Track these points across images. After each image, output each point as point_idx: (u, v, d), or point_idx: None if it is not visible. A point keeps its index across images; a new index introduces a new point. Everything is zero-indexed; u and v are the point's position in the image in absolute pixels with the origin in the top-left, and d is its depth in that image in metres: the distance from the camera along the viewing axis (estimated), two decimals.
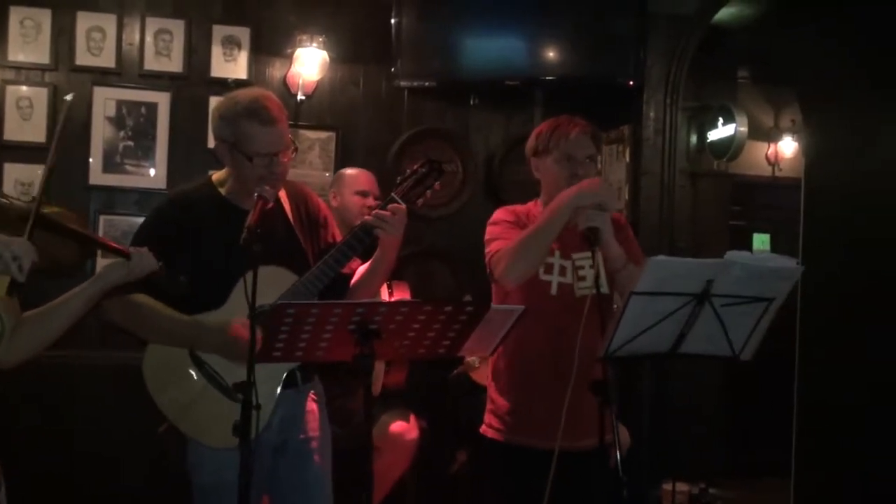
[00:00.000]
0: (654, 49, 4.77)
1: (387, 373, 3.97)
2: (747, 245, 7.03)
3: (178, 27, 4.77)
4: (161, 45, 4.76)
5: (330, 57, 4.85)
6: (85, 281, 2.31)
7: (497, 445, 2.85)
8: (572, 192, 2.65)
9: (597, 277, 2.55)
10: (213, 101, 4.58)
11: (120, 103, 4.72)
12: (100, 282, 2.28)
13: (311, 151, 4.94)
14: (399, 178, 2.66)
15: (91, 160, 4.68)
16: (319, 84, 4.95)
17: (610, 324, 2.29)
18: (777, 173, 7.05)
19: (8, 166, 4.55)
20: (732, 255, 2.23)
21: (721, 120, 6.01)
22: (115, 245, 2.36)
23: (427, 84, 4.95)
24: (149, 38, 4.75)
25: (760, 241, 7.25)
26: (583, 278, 2.81)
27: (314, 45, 4.78)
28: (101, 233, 4.59)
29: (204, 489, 2.61)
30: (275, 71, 4.94)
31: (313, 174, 4.91)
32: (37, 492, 3.96)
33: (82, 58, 4.67)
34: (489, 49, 4.79)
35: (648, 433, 4.61)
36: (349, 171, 4.17)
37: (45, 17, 4.63)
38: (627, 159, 4.87)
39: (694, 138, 6.22)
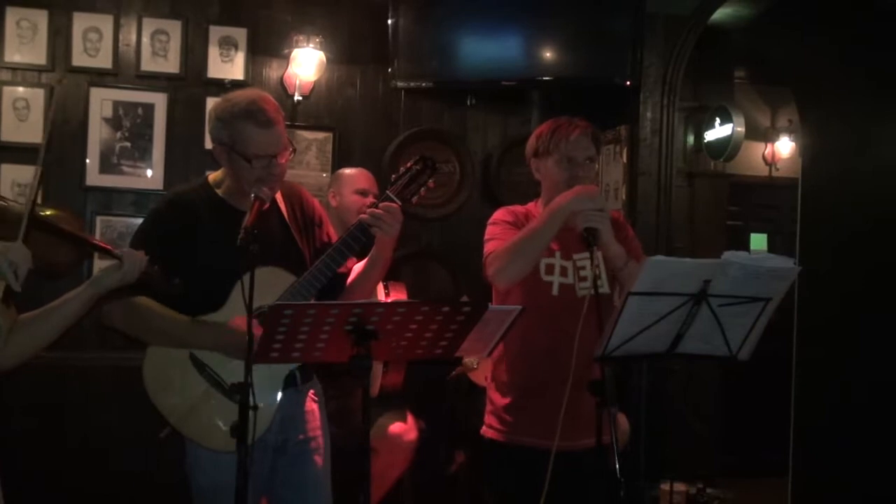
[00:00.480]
0: (651, 49, 4.77)
1: (385, 374, 3.97)
2: (745, 245, 7.04)
3: (174, 28, 4.77)
4: (158, 45, 4.76)
5: (327, 57, 4.85)
6: (81, 283, 2.31)
7: (497, 445, 2.85)
8: (567, 196, 2.66)
9: (595, 278, 2.56)
10: (210, 102, 4.58)
11: (116, 104, 4.71)
12: (95, 285, 2.29)
13: (309, 152, 4.94)
14: (393, 176, 2.66)
15: (88, 161, 4.67)
16: (316, 85, 4.95)
17: (607, 324, 2.29)
18: (774, 173, 7.06)
19: (5, 167, 4.54)
20: (729, 255, 2.23)
21: (718, 120, 6.00)
22: (108, 247, 2.35)
23: (424, 85, 4.95)
24: (145, 39, 4.75)
25: (758, 241, 7.25)
26: (584, 279, 2.81)
27: (311, 45, 4.78)
28: (97, 234, 4.59)
29: (203, 490, 2.61)
30: (272, 71, 4.94)
31: (311, 175, 4.91)
32: (34, 492, 3.95)
33: (79, 58, 4.67)
34: (486, 50, 4.79)
35: (646, 433, 4.61)
36: (348, 170, 4.16)
37: (41, 17, 4.62)
38: (624, 160, 4.87)
39: (691, 138, 6.21)
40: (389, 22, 4.78)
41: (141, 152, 4.74)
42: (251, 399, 2.14)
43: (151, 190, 4.65)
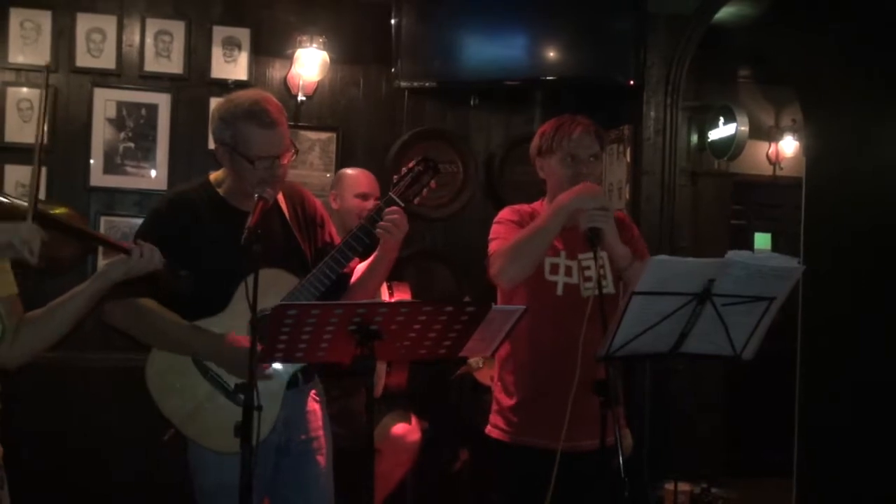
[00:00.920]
0: (654, 49, 4.77)
1: (388, 374, 3.97)
2: (748, 244, 7.03)
3: (178, 28, 4.77)
4: (161, 46, 4.76)
5: (330, 58, 4.85)
6: (85, 279, 2.30)
7: (503, 446, 2.85)
8: (569, 195, 2.65)
9: (600, 278, 2.55)
10: (214, 102, 4.57)
11: (120, 104, 4.72)
12: (101, 279, 2.27)
13: (312, 152, 4.94)
14: (395, 177, 2.66)
15: (91, 161, 4.68)
16: (320, 85, 4.95)
17: (611, 323, 2.29)
18: (778, 172, 7.05)
19: (8, 168, 4.55)
20: (733, 254, 2.23)
21: (722, 119, 6.01)
22: (115, 241, 2.35)
23: (427, 84, 4.95)
24: (149, 40, 4.75)
25: (762, 240, 7.24)
26: (589, 279, 2.81)
27: (314, 45, 4.78)
28: None
29: (206, 492, 2.61)
30: (275, 72, 4.94)
31: (314, 175, 4.91)
32: (37, 493, 3.95)
33: (82, 59, 4.67)
34: (489, 49, 4.79)
35: (650, 433, 4.61)
36: (349, 171, 4.15)
37: (45, 18, 4.62)
38: (628, 159, 4.87)
39: (695, 138, 6.21)
40: (392, 22, 4.78)
41: (144, 153, 4.74)
42: (255, 399, 2.14)
43: (155, 190, 4.65)
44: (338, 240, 2.81)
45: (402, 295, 4.16)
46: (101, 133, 4.70)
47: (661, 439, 4.72)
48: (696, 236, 5.91)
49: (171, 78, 4.78)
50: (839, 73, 4.85)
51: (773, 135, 7.01)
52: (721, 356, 2.40)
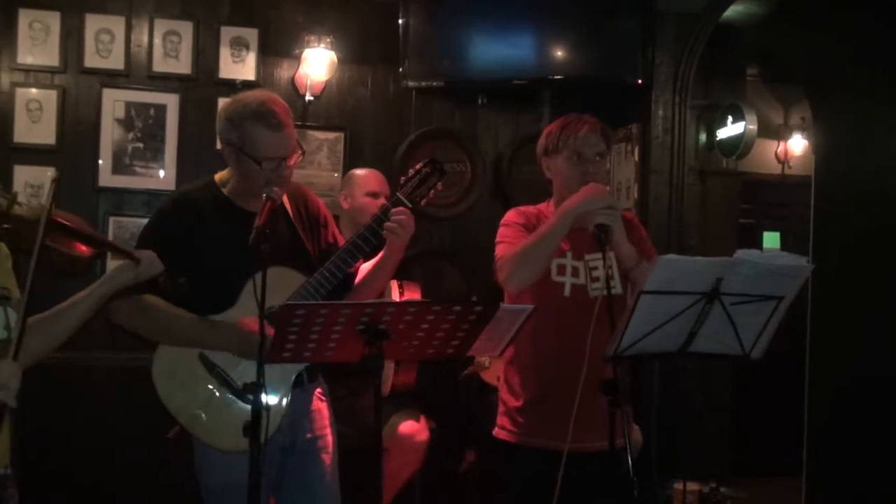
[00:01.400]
0: (662, 47, 4.76)
1: (396, 373, 3.97)
2: (757, 243, 7.01)
3: (186, 28, 4.79)
4: (169, 46, 4.77)
5: (338, 57, 4.85)
6: (94, 280, 2.31)
7: (510, 447, 2.84)
8: (576, 199, 2.65)
9: (608, 278, 2.54)
10: (222, 103, 4.58)
11: (129, 105, 4.73)
12: (108, 284, 2.28)
13: (320, 152, 4.94)
14: (403, 178, 2.66)
15: (100, 162, 4.69)
16: (327, 85, 4.96)
17: (619, 323, 2.29)
18: (787, 171, 7.03)
19: (18, 168, 4.56)
20: (741, 253, 2.22)
21: (730, 118, 5.97)
22: (125, 248, 2.36)
23: (435, 84, 4.96)
24: (157, 40, 4.76)
25: (771, 239, 7.22)
26: (596, 279, 2.80)
27: (322, 45, 4.79)
28: (110, 235, 4.61)
29: (212, 491, 2.62)
30: (283, 72, 4.95)
31: (322, 175, 4.92)
32: (42, 492, 3.97)
33: (91, 60, 4.69)
34: (497, 49, 4.79)
35: (658, 432, 4.60)
36: (359, 171, 4.16)
37: (53, 19, 4.64)
38: (636, 158, 4.86)
39: (703, 136, 6.17)
40: (400, 21, 4.78)
41: (153, 153, 4.76)
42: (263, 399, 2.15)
43: (164, 190, 4.65)
44: (341, 240, 2.83)
45: (413, 295, 4.16)
46: (109, 133, 4.71)
47: (670, 439, 4.71)
48: (705, 235, 5.88)
49: (180, 78, 4.79)
50: (848, 71, 4.83)
51: (781, 133, 7.00)
52: (730, 355, 2.39)
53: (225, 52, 4.82)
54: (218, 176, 2.72)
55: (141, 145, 4.74)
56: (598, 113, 2.94)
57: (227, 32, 4.84)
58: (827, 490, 4.84)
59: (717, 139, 6.11)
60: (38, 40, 4.63)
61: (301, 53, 4.83)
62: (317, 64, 4.81)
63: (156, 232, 2.62)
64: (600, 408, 2.41)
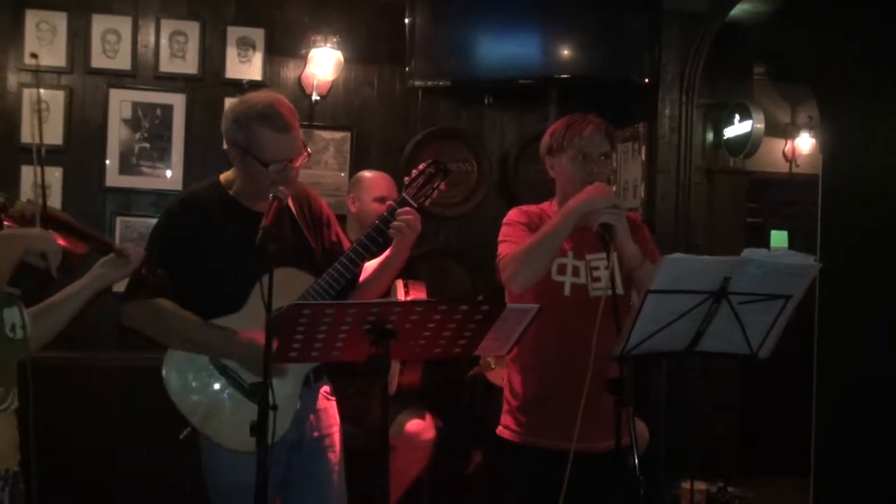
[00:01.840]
0: (668, 46, 4.75)
1: (402, 372, 3.97)
2: (764, 242, 6.99)
3: (192, 29, 4.79)
4: (176, 46, 4.78)
5: (344, 57, 4.85)
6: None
7: (514, 447, 2.84)
8: (581, 198, 2.64)
9: (612, 277, 2.54)
10: (228, 103, 4.59)
11: (135, 105, 4.74)
12: (101, 280, 2.33)
13: (326, 152, 4.95)
14: (406, 179, 2.67)
15: (107, 162, 4.70)
16: (334, 84, 4.96)
17: (626, 322, 2.28)
18: (794, 170, 7.01)
19: (25, 168, 4.57)
20: (749, 252, 2.22)
21: (737, 117, 5.97)
22: (116, 245, 2.41)
23: (441, 84, 4.95)
24: (164, 40, 4.77)
25: (779, 238, 7.21)
26: (597, 279, 2.79)
27: (328, 45, 4.79)
28: (117, 235, 4.63)
29: (221, 491, 2.62)
30: (289, 72, 4.95)
31: (328, 174, 4.92)
32: (51, 493, 3.97)
33: (98, 60, 4.70)
34: (503, 48, 4.78)
35: (665, 432, 4.59)
36: (367, 175, 4.14)
37: (60, 19, 4.65)
38: (643, 157, 4.85)
39: (710, 135, 6.18)
40: (406, 21, 4.78)
41: (160, 153, 4.77)
42: (271, 398, 2.15)
43: (170, 190, 4.66)
44: (344, 239, 2.84)
45: (418, 294, 4.16)
46: (116, 134, 4.72)
47: (678, 438, 4.70)
48: (712, 234, 5.88)
49: (186, 78, 4.80)
50: (855, 69, 4.82)
51: (789, 132, 6.98)
52: (737, 355, 2.39)
53: (231, 53, 4.83)
54: (223, 176, 2.72)
55: (148, 145, 4.75)
56: (604, 112, 2.93)
57: (234, 32, 4.84)
58: (835, 489, 4.82)
59: (725, 138, 6.11)
60: (45, 41, 4.64)
61: (307, 53, 4.83)
62: (323, 64, 4.81)
63: (165, 232, 2.64)
64: (605, 407, 2.41)
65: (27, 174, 4.57)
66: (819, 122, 5.51)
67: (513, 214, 2.89)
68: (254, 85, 4.75)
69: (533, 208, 2.92)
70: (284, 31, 4.93)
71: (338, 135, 4.98)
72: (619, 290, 2.75)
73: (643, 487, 2.28)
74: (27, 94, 4.61)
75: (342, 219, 3.59)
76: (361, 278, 2.76)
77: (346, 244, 2.79)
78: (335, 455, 2.73)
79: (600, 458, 2.65)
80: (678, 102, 4.79)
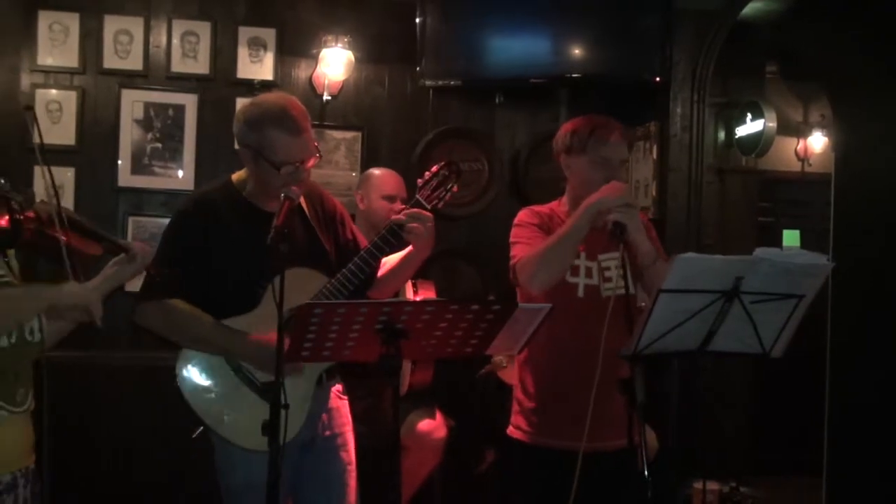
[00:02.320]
0: (680, 45, 4.74)
1: (413, 371, 3.97)
2: (776, 241, 6.96)
3: (204, 29, 4.80)
4: (187, 47, 4.79)
5: (355, 57, 4.86)
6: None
7: (524, 447, 2.84)
8: (595, 198, 2.64)
9: (625, 277, 2.53)
10: (240, 103, 4.60)
11: (147, 105, 4.75)
12: (112, 280, 2.32)
13: (337, 151, 4.95)
14: (420, 181, 2.67)
15: (119, 162, 4.72)
16: (345, 84, 4.96)
17: (638, 322, 2.28)
18: (806, 169, 6.98)
19: (38, 169, 4.58)
20: (761, 251, 2.21)
21: (749, 115, 5.96)
22: (122, 243, 2.39)
23: (452, 83, 4.95)
24: (175, 41, 4.78)
25: (791, 237, 7.18)
26: (609, 279, 2.79)
27: (339, 45, 4.80)
28: (129, 235, 4.64)
29: (233, 491, 2.63)
30: (300, 71, 4.96)
31: (339, 174, 4.92)
32: (63, 493, 3.99)
33: (110, 61, 4.71)
34: (514, 47, 4.77)
35: (677, 432, 4.58)
36: (376, 172, 4.14)
37: (72, 20, 4.67)
38: (654, 156, 4.84)
39: (722, 134, 6.17)
40: (417, 21, 4.78)
41: (172, 153, 4.78)
42: (283, 398, 2.15)
43: (182, 190, 4.67)
44: (360, 236, 2.84)
45: (427, 293, 4.16)
46: (128, 134, 4.74)
47: (690, 438, 4.69)
48: (724, 233, 5.87)
49: (198, 78, 4.81)
50: (867, 68, 4.79)
51: (801, 131, 6.94)
52: (749, 354, 2.38)
53: (243, 52, 4.84)
54: (235, 176, 2.73)
55: (160, 145, 4.77)
56: (615, 111, 2.94)
57: (245, 32, 4.85)
58: (847, 489, 4.80)
59: (737, 137, 6.10)
60: (57, 41, 4.65)
61: (318, 53, 4.84)
62: (334, 63, 4.82)
63: (177, 233, 2.65)
64: (614, 407, 2.41)
65: (40, 175, 4.57)
66: (831, 121, 5.49)
67: (523, 215, 2.89)
68: (265, 85, 4.76)
69: (542, 208, 2.92)
70: (295, 31, 4.93)
71: (349, 134, 4.98)
72: (632, 290, 2.75)
73: (651, 489, 2.28)
74: (40, 94, 4.63)
75: (352, 217, 3.59)
76: (380, 273, 2.76)
77: (363, 241, 2.80)
78: (347, 454, 2.73)
79: (609, 458, 2.65)
80: (690, 101, 4.78)
